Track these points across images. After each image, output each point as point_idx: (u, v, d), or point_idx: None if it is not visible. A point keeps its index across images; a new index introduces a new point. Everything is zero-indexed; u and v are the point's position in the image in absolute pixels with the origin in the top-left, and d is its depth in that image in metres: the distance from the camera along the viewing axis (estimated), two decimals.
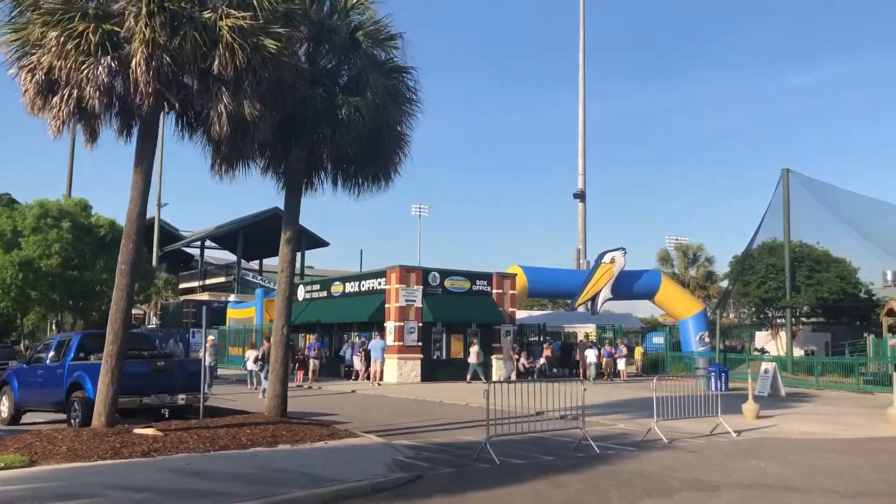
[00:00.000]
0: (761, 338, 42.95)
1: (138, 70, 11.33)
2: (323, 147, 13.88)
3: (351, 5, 14.28)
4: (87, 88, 11.50)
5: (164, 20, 11.37)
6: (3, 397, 17.09)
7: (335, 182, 15.70)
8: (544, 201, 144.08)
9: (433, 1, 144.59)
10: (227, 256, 63.94)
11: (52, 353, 16.28)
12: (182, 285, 59.75)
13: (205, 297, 55.56)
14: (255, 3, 11.81)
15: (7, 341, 37.60)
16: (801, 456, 12.72)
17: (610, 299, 39.32)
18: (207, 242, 62.87)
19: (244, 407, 17.76)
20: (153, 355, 15.97)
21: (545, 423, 13.89)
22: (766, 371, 26.13)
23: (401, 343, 29.84)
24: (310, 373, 30.65)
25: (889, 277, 45.93)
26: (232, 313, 45.99)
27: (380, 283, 31.62)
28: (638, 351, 39.50)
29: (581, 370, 33.26)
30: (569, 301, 41.80)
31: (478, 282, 32.46)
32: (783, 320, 38.39)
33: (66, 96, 11.94)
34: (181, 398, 15.21)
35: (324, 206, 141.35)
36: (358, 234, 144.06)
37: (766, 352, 39.48)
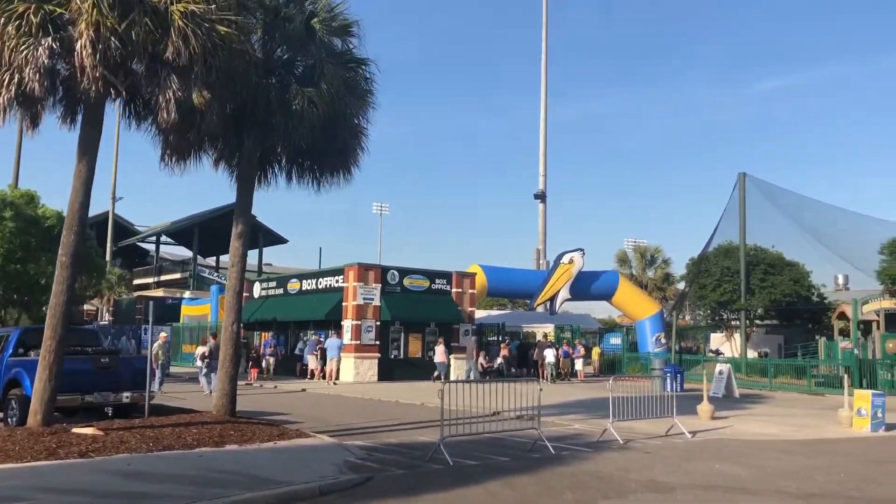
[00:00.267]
0: (716, 339, 43.47)
1: (84, 53, 10.84)
2: (277, 139, 13.47)
3: None
4: (27, 71, 10.98)
5: (113, 2, 10.90)
6: None
7: (290, 175, 15.32)
8: (505, 202, 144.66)
9: (398, 1, 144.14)
10: (184, 252, 62.80)
11: None
12: (136, 281, 58.48)
13: (159, 293, 54.46)
14: None
15: None
16: (755, 457, 12.72)
17: (568, 300, 39.38)
18: (163, 238, 61.63)
19: (194, 406, 17.25)
20: (97, 352, 15.39)
21: (501, 424, 13.68)
22: (720, 372, 26.34)
23: (358, 342, 29.44)
24: (264, 371, 30.18)
25: (840, 281, 46.82)
26: (186, 310, 45.10)
27: (337, 281, 31.19)
28: (595, 351, 39.65)
29: (540, 370, 33.24)
30: (528, 301, 41.81)
31: (437, 281, 32.22)
32: (738, 322, 38.88)
33: (6, 80, 11.40)
34: (126, 396, 14.67)
35: (283, 204, 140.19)
36: (319, 232, 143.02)
37: (721, 353, 39.94)
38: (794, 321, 41.00)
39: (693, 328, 48.50)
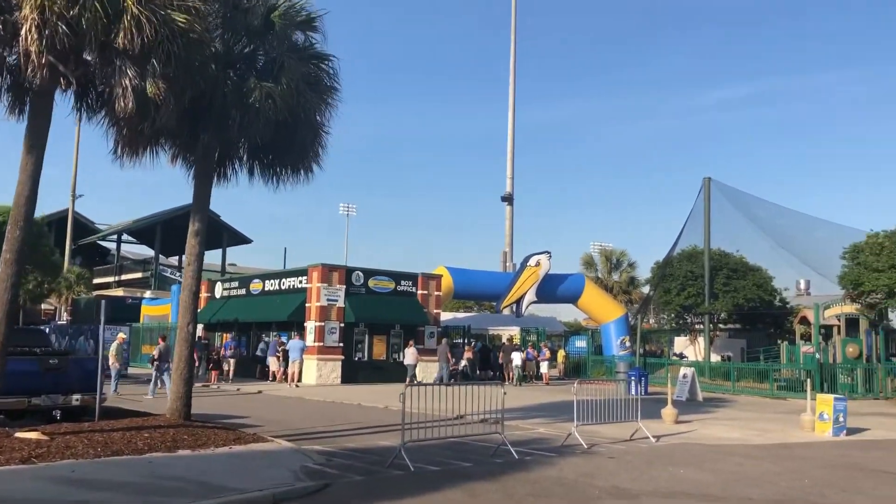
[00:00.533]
0: (680, 343, 43.72)
1: (29, 39, 10.32)
2: (232, 133, 13.00)
3: None
4: None
5: None
6: None
7: (251, 172, 14.89)
8: (472, 204, 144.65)
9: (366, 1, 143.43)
10: (146, 251, 61.58)
11: None
12: (97, 280, 57.18)
13: (119, 292, 53.36)
14: None
15: None
16: (719, 462, 12.61)
17: (535, 302, 39.32)
18: (125, 237, 60.36)
19: (149, 408, 16.72)
20: (45, 352, 14.79)
21: (464, 428, 13.40)
22: (684, 376, 26.38)
23: (321, 343, 28.98)
24: (224, 373, 29.58)
25: (802, 286, 47.42)
26: (147, 310, 44.20)
27: (301, 282, 30.70)
28: (560, 354, 39.62)
29: (506, 373, 33.08)
30: (494, 303, 41.65)
31: (403, 282, 31.88)
32: (701, 326, 39.11)
33: None
34: (76, 399, 14.08)
35: (249, 204, 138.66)
36: (285, 233, 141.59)
37: (685, 357, 40.15)
38: (757, 325, 41.38)
39: (657, 332, 48.73)
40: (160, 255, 56.57)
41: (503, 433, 13.04)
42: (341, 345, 29.48)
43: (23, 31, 10.37)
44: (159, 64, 10.92)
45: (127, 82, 10.81)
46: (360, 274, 30.65)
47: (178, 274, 56.90)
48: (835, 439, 16.15)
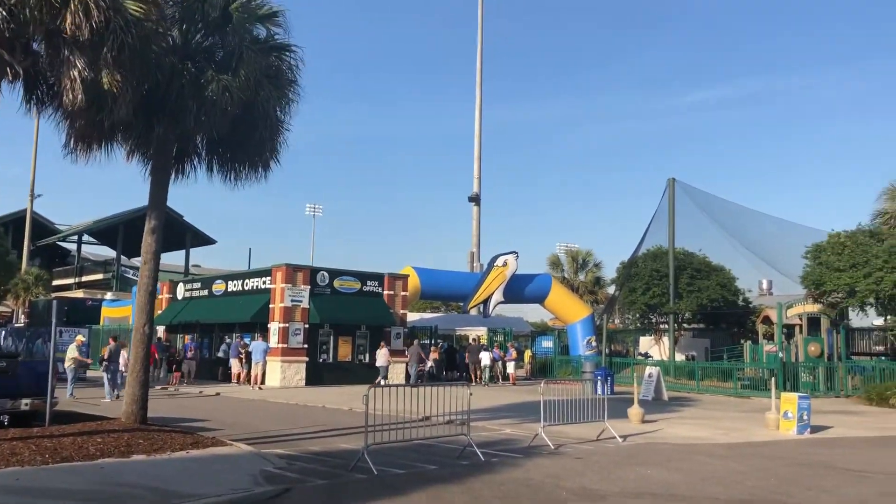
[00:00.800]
0: (645, 342, 43.95)
1: None
2: (188, 126, 12.57)
3: None
4: None
5: None
6: None
7: (210, 168, 14.48)
8: (440, 204, 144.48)
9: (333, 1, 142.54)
10: (108, 252, 60.33)
11: None
12: (56, 282, 55.85)
13: (79, 294, 52.21)
14: None
15: None
16: (686, 462, 12.53)
17: (502, 302, 39.20)
18: (86, 237, 59.03)
19: (106, 412, 16.21)
20: None
21: (430, 430, 13.16)
22: (650, 375, 26.43)
23: (285, 345, 28.51)
24: (185, 375, 28.99)
25: (765, 286, 48.00)
26: (107, 312, 43.30)
27: (264, 283, 30.18)
28: (527, 354, 39.57)
29: (472, 373, 32.91)
30: (461, 304, 41.47)
31: (368, 282, 31.52)
32: (666, 326, 39.33)
33: None
34: (25, 403, 13.53)
35: (214, 205, 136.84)
36: (250, 234, 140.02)
37: (650, 356, 40.36)
38: (720, 325, 41.75)
39: (623, 331, 48.98)
40: (122, 256, 55.45)
41: (469, 435, 12.83)
42: (306, 346, 29.04)
43: None
44: (111, 54, 10.49)
45: (76, 73, 10.37)
46: (325, 274, 30.24)
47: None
48: (799, 437, 16.21)
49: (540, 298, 40.85)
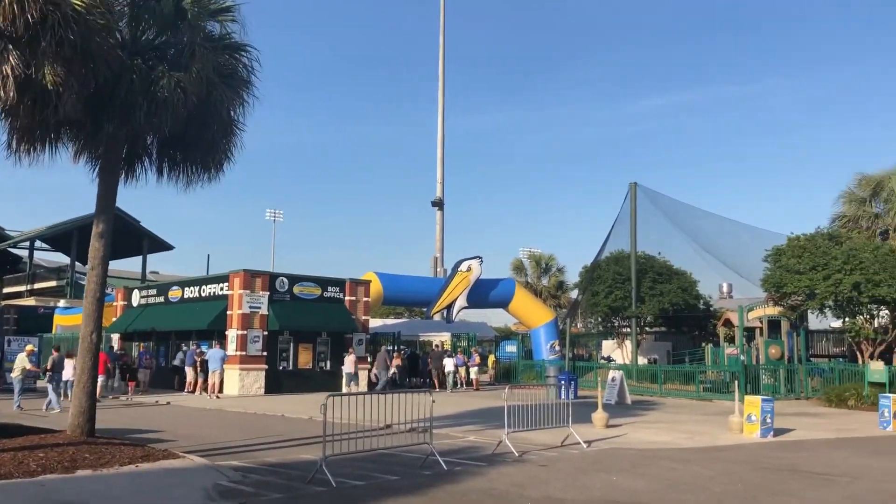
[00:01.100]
0: (608, 346, 44.06)
1: None
2: (138, 124, 12.05)
3: None
4: None
5: None
6: None
7: (161, 170, 13.96)
8: (403, 209, 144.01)
9: (293, 4, 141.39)
10: (63, 259, 58.67)
11: None
12: (7, 289, 54.20)
13: (31, 301, 50.68)
14: None
15: None
16: (651, 467, 12.34)
17: (466, 307, 38.93)
18: (39, 244, 57.29)
19: (53, 425, 15.51)
20: None
21: (391, 439, 12.77)
22: (613, 379, 26.38)
23: (243, 353, 27.83)
24: (140, 384, 28.22)
25: (725, 289, 48.43)
26: (60, 320, 42.11)
27: (222, 289, 29.47)
28: (491, 359, 39.37)
29: (435, 379, 32.59)
30: (425, 309, 41.12)
31: (330, 288, 30.98)
32: (629, 329, 39.45)
33: None
34: None
35: (172, 211, 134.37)
36: (210, 241, 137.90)
37: (613, 360, 40.43)
38: (682, 328, 41.99)
39: (585, 335, 49.08)
40: (77, 263, 53.89)
41: (432, 443, 12.50)
42: (265, 354, 28.39)
43: None
44: (53, 48, 9.96)
45: (8, 70, 9.82)
46: (285, 280, 29.64)
47: None
48: (763, 441, 16.18)
49: (504, 303, 40.70)
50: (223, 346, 27.79)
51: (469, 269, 37.66)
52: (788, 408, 23.87)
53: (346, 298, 31.24)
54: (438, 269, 53.29)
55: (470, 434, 16.54)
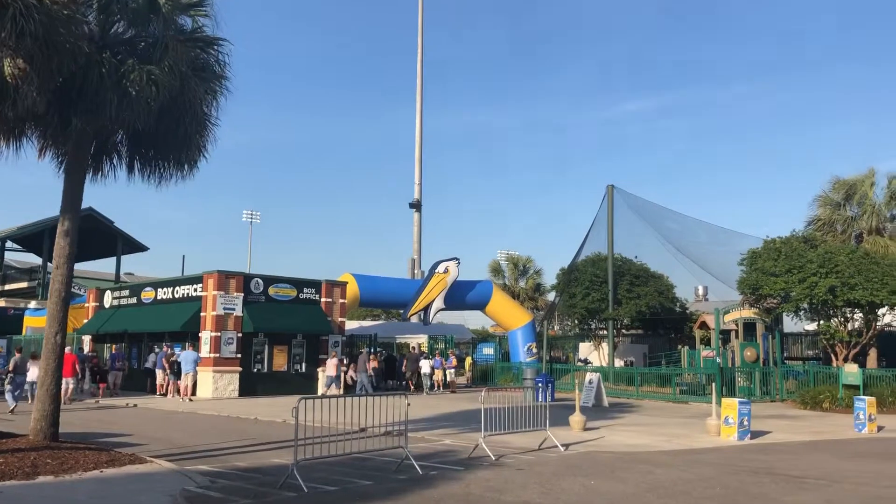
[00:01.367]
0: (584, 348, 44.05)
1: None
2: (108, 119, 11.70)
3: None
4: None
5: None
6: None
7: (131, 166, 13.61)
8: (381, 212, 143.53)
9: (272, 4, 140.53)
10: (35, 259, 57.62)
11: None
12: None
13: (1, 303, 49.74)
14: None
15: None
16: (630, 471, 12.18)
17: (443, 309, 38.68)
18: (10, 244, 56.22)
19: (16, 429, 15.04)
20: None
21: (366, 442, 12.50)
22: (590, 381, 26.29)
23: (217, 355, 27.40)
24: (111, 387, 27.71)
25: (701, 292, 48.69)
26: (30, 321, 41.27)
27: (196, 290, 29.00)
28: (468, 361, 39.18)
29: (410, 382, 32.33)
30: (402, 311, 40.83)
31: (305, 290, 30.62)
32: (605, 332, 39.45)
33: None
34: None
35: (148, 212, 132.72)
36: (185, 241, 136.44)
37: (590, 362, 40.41)
38: (658, 330, 42.10)
39: (562, 338, 49.08)
40: (49, 264, 52.95)
41: (407, 447, 12.25)
42: (239, 356, 27.98)
43: None
44: (13, 38, 9.59)
45: None
46: (260, 281, 29.25)
47: None
48: (740, 443, 16.12)
49: (481, 305, 40.53)
50: (197, 347, 27.34)
51: (446, 271, 37.44)
52: (764, 410, 23.91)
53: (323, 300, 30.90)
54: (416, 271, 53.00)
55: (446, 437, 16.31)
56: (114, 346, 32.11)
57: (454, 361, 34.62)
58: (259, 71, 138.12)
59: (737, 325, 30.68)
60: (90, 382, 27.70)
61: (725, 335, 31.36)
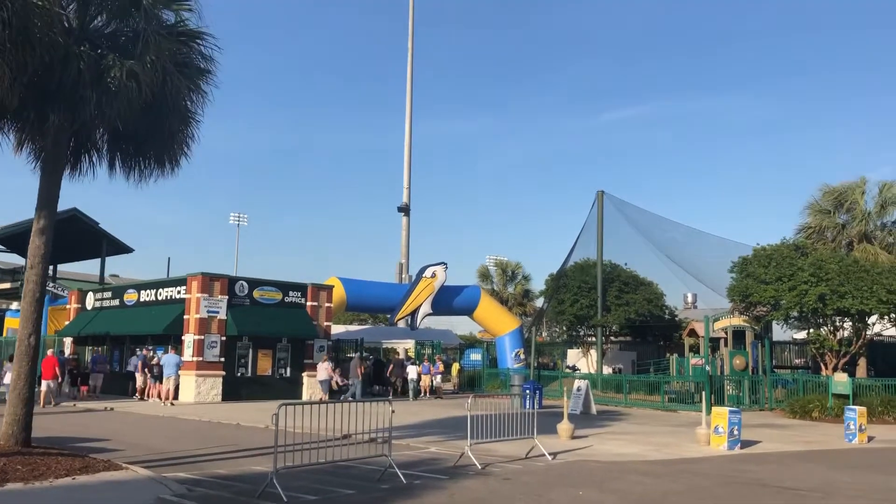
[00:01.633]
0: (573, 355, 43.81)
1: None
2: (87, 115, 11.33)
3: None
4: None
5: None
6: None
7: (112, 163, 13.24)
8: (369, 214, 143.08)
9: (259, 7, 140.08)
10: (18, 260, 56.89)
11: None
12: None
13: None
14: None
15: None
16: (620, 481, 11.89)
17: (430, 314, 38.40)
18: None
19: None
20: None
21: (348, 450, 12.14)
22: (578, 389, 26.02)
23: (200, 358, 26.93)
24: (91, 390, 27.23)
25: (690, 299, 48.55)
26: (11, 322, 40.71)
27: (179, 292, 28.54)
28: (455, 367, 38.84)
29: (394, 387, 31.99)
30: (389, 316, 40.48)
31: (291, 293, 30.19)
32: (594, 338, 39.20)
33: None
34: None
35: (134, 213, 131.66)
36: (172, 244, 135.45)
37: (578, 369, 40.16)
38: (647, 338, 41.90)
39: (550, 344, 48.82)
40: None
41: (391, 455, 11.90)
42: (222, 360, 27.52)
43: None
44: None
45: None
46: (245, 284, 28.81)
47: (50, 285, 52.79)
48: (730, 453, 15.86)
49: (469, 310, 40.24)
50: (179, 351, 26.89)
51: (434, 276, 37.17)
52: (753, 419, 23.68)
53: (308, 304, 30.50)
54: (403, 275, 52.68)
55: (431, 445, 15.98)
56: (96, 349, 31.58)
57: (441, 367, 34.28)
58: (249, 73, 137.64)
59: (726, 332, 30.52)
60: (69, 385, 27.22)
61: (715, 343, 31.17)
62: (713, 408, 17.45)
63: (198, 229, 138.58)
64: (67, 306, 34.95)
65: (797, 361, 39.32)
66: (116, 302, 32.03)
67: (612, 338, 41.79)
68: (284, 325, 29.28)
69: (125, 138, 12.81)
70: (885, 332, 31.67)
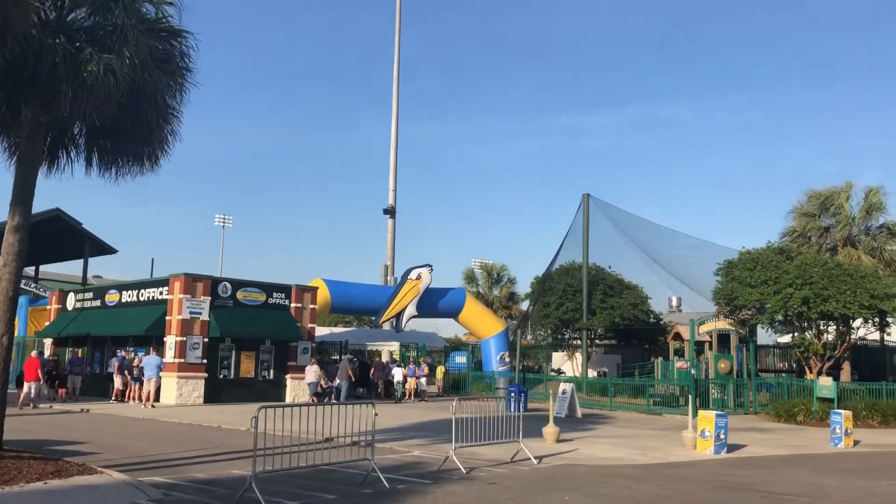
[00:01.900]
0: (558, 358, 43.70)
1: None
2: (66, 112, 11.02)
3: None
4: None
5: None
6: None
7: (90, 160, 12.94)
8: (354, 216, 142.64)
9: (245, 9, 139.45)
10: None
11: None
12: None
13: None
14: None
15: None
16: (606, 486, 11.72)
17: (415, 316, 38.22)
18: None
19: None
20: None
21: (332, 453, 11.88)
22: (563, 392, 25.88)
23: (182, 360, 26.55)
24: (70, 392, 26.79)
25: (674, 303, 48.62)
26: None
27: (161, 293, 28.16)
28: (440, 370, 38.63)
29: (376, 390, 31.76)
30: (374, 318, 40.24)
31: (275, 294, 29.87)
32: (579, 342, 39.14)
33: None
34: None
35: (118, 214, 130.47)
36: (156, 245, 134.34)
37: (563, 372, 40.05)
38: (632, 341, 41.87)
39: (535, 347, 48.73)
40: None
41: (374, 458, 11.67)
42: (205, 361, 27.15)
43: None
44: None
45: None
46: (228, 285, 28.46)
47: (32, 285, 52.08)
48: (717, 457, 15.75)
49: (454, 313, 40.07)
50: (161, 352, 26.51)
51: (419, 278, 36.98)
52: (739, 423, 23.61)
53: (292, 305, 30.18)
54: (389, 277, 52.52)
55: (415, 448, 15.75)
56: (77, 350, 31.12)
57: (426, 370, 34.06)
58: (233, 75, 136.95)
59: (711, 336, 30.49)
60: (48, 387, 26.78)
61: (699, 347, 31.15)
62: (700, 411, 17.35)
63: (183, 231, 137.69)
64: (48, 307, 34.44)
65: (781, 365, 39.42)
66: (98, 303, 31.58)
67: (597, 341, 41.72)
68: (268, 326, 28.96)
69: (103, 134, 12.51)
70: (870, 337, 31.73)
